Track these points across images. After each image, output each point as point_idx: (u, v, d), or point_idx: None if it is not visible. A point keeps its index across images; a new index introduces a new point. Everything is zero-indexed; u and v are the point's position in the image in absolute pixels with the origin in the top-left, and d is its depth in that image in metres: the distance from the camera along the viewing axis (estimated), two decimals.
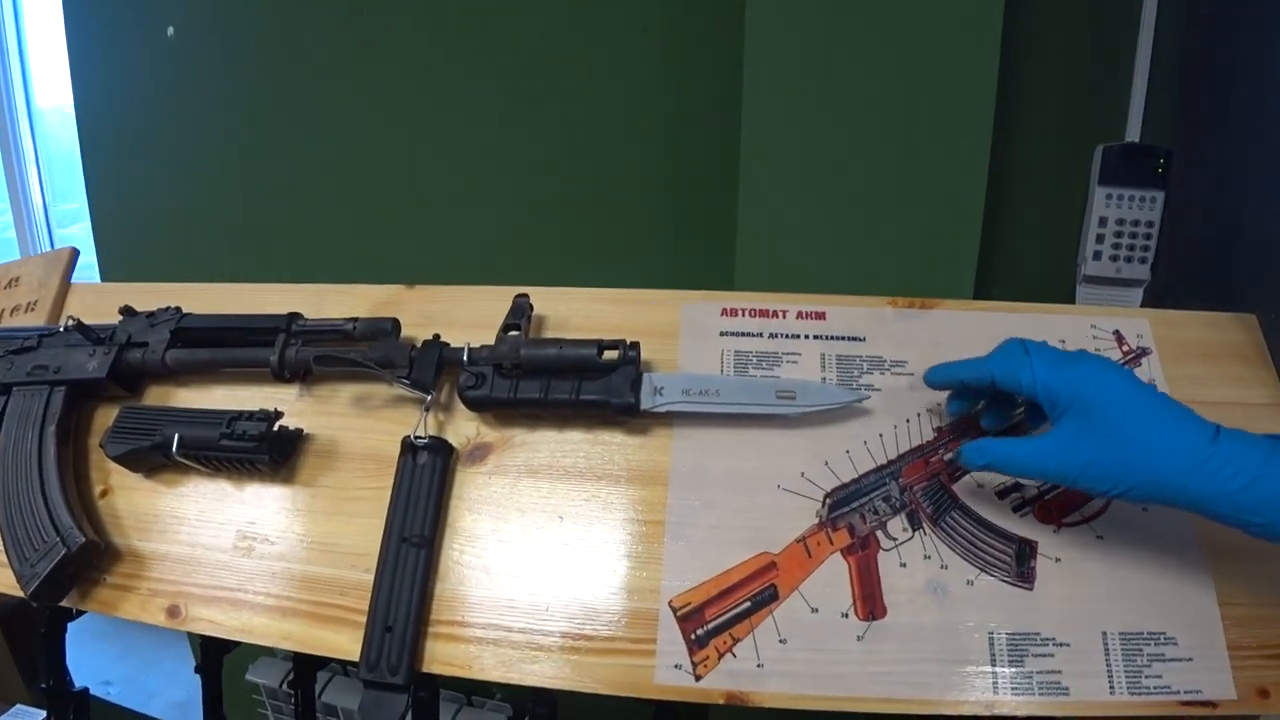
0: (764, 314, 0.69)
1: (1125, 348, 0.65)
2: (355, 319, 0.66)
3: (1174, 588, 0.57)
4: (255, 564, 0.61)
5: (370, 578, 0.59)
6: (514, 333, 0.65)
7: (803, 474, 0.62)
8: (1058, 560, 0.58)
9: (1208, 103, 0.77)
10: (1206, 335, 0.66)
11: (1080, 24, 0.80)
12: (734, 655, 0.55)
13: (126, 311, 0.71)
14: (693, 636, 0.56)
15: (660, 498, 0.61)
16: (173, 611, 0.61)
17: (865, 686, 0.54)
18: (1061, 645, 0.55)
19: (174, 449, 0.61)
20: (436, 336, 0.65)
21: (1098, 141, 0.81)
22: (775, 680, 0.55)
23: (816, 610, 0.57)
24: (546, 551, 0.60)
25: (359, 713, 0.55)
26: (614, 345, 0.62)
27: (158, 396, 0.70)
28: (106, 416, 0.68)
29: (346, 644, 0.57)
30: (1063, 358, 0.52)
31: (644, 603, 0.57)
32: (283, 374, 0.65)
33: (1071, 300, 0.85)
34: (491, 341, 0.65)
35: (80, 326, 0.69)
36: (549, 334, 0.69)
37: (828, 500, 0.60)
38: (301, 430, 0.65)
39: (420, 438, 0.62)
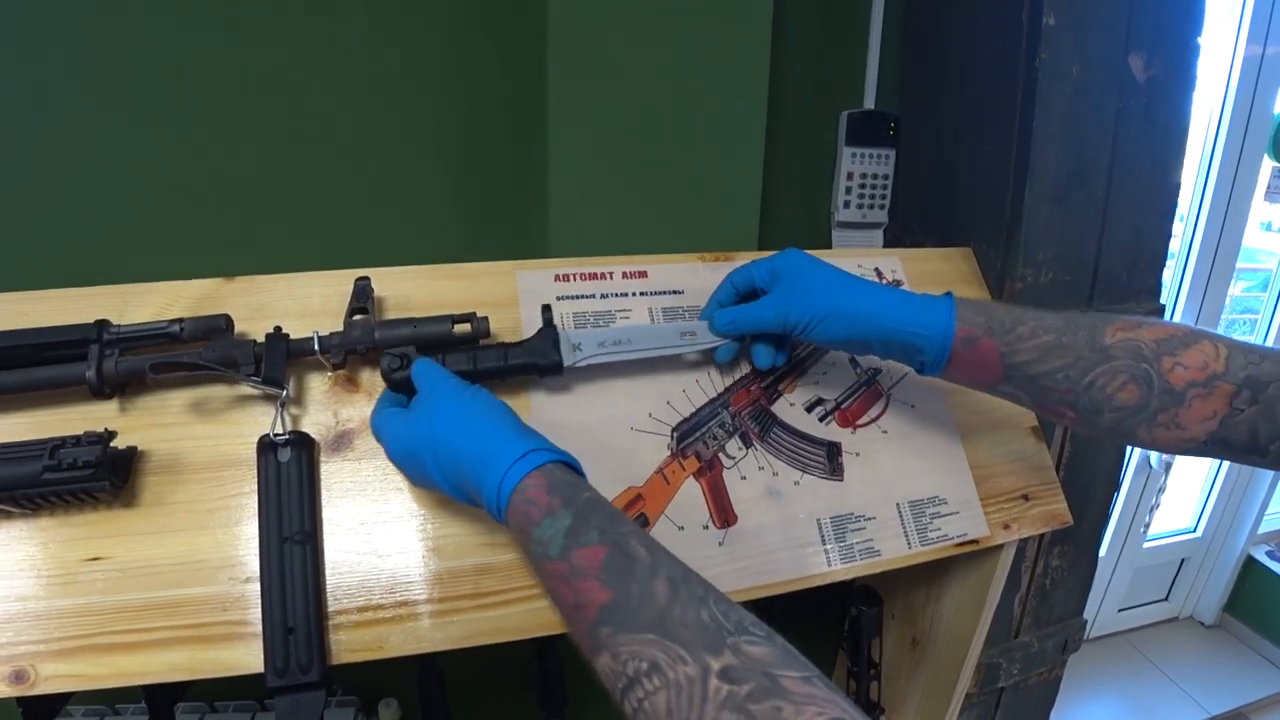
0: (593, 277, 0.75)
1: (884, 280, 0.81)
2: (180, 319, 0.61)
3: (940, 462, 0.75)
4: (113, 601, 0.56)
5: (252, 587, 0.58)
6: (360, 316, 0.65)
7: (650, 414, 0.70)
8: (857, 455, 0.73)
9: (926, 73, 0.96)
10: (939, 266, 0.85)
11: (823, 9, 0.95)
12: None
13: None
14: None
15: None
16: (18, 677, 0.53)
17: (732, 581, 0.65)
18: (870, 519, 0.70)
19: None
20: (278, 328, 0.63)
21: (842, 108, 0.98)
22: None
23: (683, 528, 0.66)
24: (433, 523, 0.62)
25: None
26: (464, 318, 0.65)
27: None
28: None
29: (244, 658, 0.56)
30: (768, 258, 0.68)
31: None
32: (103, 390, 0.59)
33: (829, 243, 1.02)
34: (327, 329, 0.64)
35: None
36: (392, 314, 0.69)
37: (675, 433, 0.69)
38: (135, 448, 0.60)
39: (279, 435, 0.60)
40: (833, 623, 1.10)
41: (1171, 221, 0.94)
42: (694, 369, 0.73)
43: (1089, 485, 1.02)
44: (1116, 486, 1.06)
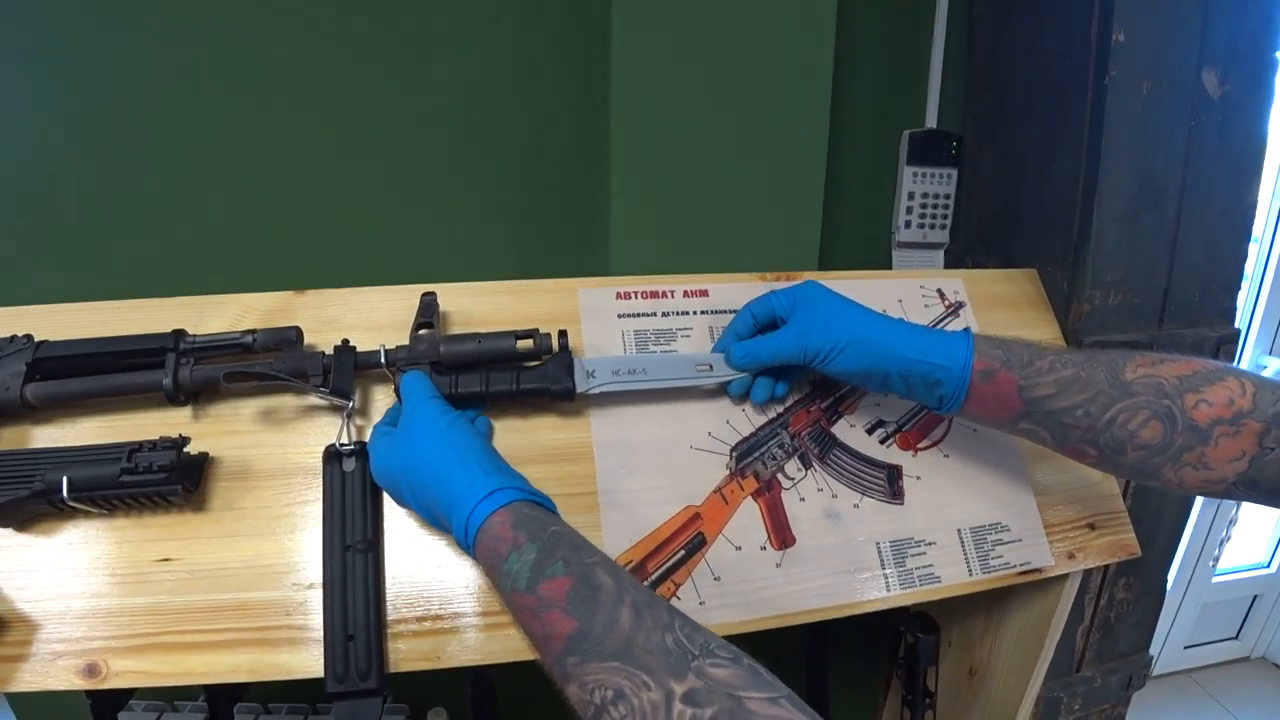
0: (655, 295, 0.75)
1: (946, 302, 0.80)
2: (254, 330, 0.63)
3: (1003, 488, 0.73)
4: (180, 601, 0.58)
5: (314, 593, 0.59)
6: (425, 331, 0.66)
7: (709, 434, 0.69)
8: (918, 478, 0.71)
9: (989, 92, 0.95)
10: (1004, 288, 0.83)
11: (885, 29, 0.95)
12: (679, 598, 0.63)
13: None
14: None
15: (589, 471, 0.66)
16: (91, 670, 0.55)
17: (789, 603, 0.64)
18: (930, 544, 0.69)
19: (65, 494, 0.56)
20: (346, 341, 0.64)
21: (904, 127, 0.97)
22: (717, 613, 0.63)
23: (740, 548, 0.65)
24: None
25: None
26: (527, 335, 0.66)
27: (11, 439, 0.62)
28: None
29: (305, 663, 0.57)
30: (788, 288, 0.69)
31: None
32: (178, 397, 0.61)
33: (889, 263, 1.01)
34: (393, 342, 0.65)
35: None
36: (457, 329, 0.70)
37: (734, 453, 0.69)
38: (206, 454, 0.62)
39: (345, 445, 0.61)
40: (887, 648, 1.08)
41: (1247, 243, 0.90)
42: None
43: (1158, 514, 0.98)
44: (1186, 516, 1.01)
